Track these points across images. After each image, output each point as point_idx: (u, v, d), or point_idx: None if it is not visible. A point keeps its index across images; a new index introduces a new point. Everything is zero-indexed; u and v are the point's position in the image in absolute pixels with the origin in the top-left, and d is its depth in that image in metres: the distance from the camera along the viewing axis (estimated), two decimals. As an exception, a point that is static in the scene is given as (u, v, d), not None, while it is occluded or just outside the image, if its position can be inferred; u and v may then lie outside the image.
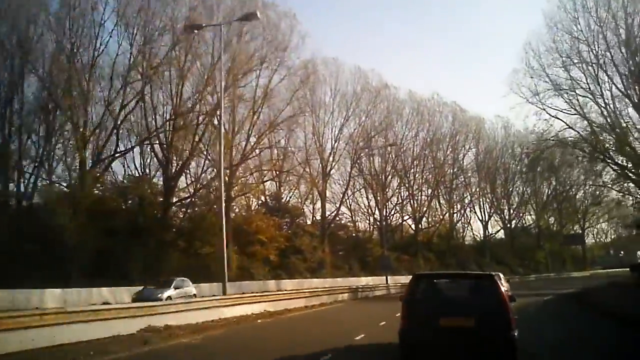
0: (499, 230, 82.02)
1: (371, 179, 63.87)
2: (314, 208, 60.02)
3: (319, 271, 50.05)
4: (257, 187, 45.58)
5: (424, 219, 70.75)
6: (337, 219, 63.39)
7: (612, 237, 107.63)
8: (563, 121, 34.98)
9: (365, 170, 63.36)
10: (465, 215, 78.46)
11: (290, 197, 58.13)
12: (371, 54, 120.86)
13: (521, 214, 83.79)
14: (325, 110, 57.23)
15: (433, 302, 9.97)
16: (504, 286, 26.13)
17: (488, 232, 78.51)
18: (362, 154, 60.70)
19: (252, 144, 43.38)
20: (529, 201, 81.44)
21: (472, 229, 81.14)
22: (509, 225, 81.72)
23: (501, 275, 30.59)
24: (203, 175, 41.62)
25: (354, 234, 65.89)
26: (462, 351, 9.24)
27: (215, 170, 39.64)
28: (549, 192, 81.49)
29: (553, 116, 35.25)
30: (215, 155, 40.38)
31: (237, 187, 42.62)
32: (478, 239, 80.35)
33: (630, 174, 32.97)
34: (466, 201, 76.79)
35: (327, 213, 58.63)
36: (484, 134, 76.43)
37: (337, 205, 60.40)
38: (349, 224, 66.41)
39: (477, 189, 76.24)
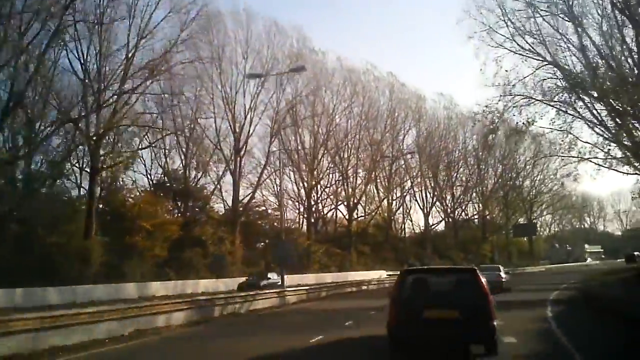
0: (441, 221, 75.46)
1: (298, 159, 53.91)
2: (235, 195, 47.99)
3: (224, 268, 39.27)
4: (132, 154, 34.07)
5: (359, 206, 61.69)
6: (258, 206, 53.35)
7: (556, 230, 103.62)
8: (539, 56, 25.55)
9: (290, 146, 53.26)
10: (404, 204, 70.34)
11: (199, 178, 47.08)
12: (289, 10, 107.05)
13: (465, 204, 76.99)
14: (239, 73, 46.89)
15: (419, 296, 10.11)
16: (502, 277, 27.33)
17: (429, 223, 71.11)
18: (285, 127, 50.41)
19: (126, 97, 32.04)
20: (474, 189, 74.18)
21: (412, 220, 74.28)
22: (451, 215, 74.55)
23: (501, 267, 30.17)
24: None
25: (276, 224, 55.57)
26: (448, 341, 9.54)
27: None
28: (495, 180, 74.92)
29: (525, 54, 25.89)
30: (62, 100, 28.77)
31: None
32: (418, 231, 73.32)
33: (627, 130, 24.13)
34: (406, 187, 68.30)
35: (242, 197, 48.10)
36: (424, 113, 68.63)
37: (254, 188, 49.59)
38: (271, 211, 56.00)
39: (419, 172, 67.75)
